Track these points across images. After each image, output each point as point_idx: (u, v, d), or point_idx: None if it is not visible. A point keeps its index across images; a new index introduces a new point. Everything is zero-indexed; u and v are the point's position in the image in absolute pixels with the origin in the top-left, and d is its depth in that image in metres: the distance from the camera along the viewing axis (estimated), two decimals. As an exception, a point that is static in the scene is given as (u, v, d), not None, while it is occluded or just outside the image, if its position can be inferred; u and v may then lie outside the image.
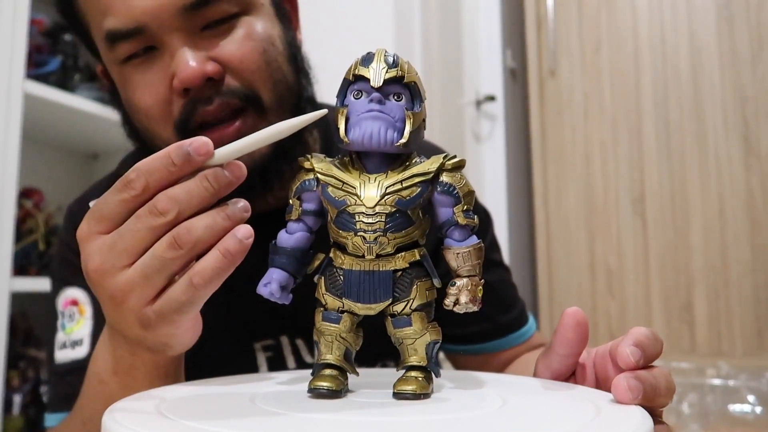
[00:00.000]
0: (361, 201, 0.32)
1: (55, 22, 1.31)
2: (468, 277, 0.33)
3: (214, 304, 0.56)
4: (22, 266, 1.24)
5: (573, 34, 2.50)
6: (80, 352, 0.56)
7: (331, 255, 0.34)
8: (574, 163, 2.46)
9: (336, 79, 0.39)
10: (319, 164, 0.34)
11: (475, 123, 2.54)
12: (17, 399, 1.14)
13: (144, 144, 0.58)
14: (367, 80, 0.32)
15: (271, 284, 0.34)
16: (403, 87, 0.33)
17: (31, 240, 1.29)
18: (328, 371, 0.33)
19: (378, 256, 0.32)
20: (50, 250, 1.36)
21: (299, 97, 0.57)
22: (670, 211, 2.30)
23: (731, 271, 2.19)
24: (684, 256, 2.26)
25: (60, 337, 0.58)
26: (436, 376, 0.34)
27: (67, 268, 0.62)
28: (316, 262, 0.35)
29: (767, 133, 2.18)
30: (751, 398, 1.07)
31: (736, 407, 1.08)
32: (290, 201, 0.36)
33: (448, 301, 0.33)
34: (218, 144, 0.41)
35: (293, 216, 0.35)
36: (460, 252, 0.33)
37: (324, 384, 0.32)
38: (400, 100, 0.33)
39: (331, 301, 0.33)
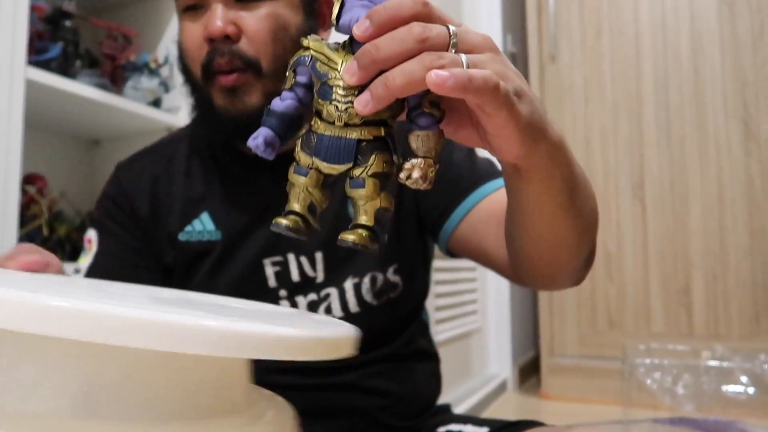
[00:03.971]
0: (340, 76, 0.35)
1: (55, 8, 1.32)
2: (423, 157, 0.36)
3: (237, 225, 0.71)
4: (26, 251, 1.26)
5: (574, 19, 2.49)
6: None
7: (311, 122, 0.37)
8: (574, 148, 2.46)
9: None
10: (314, 43, 0.37)
11: (475, 108, 2.55)
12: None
13: (187, 77, 0.71)
14: None
15: (258, 138, 0.37)
16: None
17: (35, 225, 1.31)
18: (292, 216, 0.37)
19: (346, 124, 0.35)
20: (54, 235, 1.37)
21: None
22: (669, 196, 2.31)
23: (729, 255, 2.20)
24: (682, 241, 2.28)
25: (75, 266, 0.74)
26: (381, 241, 0.37)
27: (99, 213, 0.76)
28: (303, 131, 0.38)
29: (767, 118, 2.19)
30: (744, 379, 1.10)
31: (729, 388, 1.10)
32: (286, 73, 0.39)
33: (402, 175, 0.36)
34: (225, 90, 0.64)
35: (286, 86, 0.38)
36: (420, 135, 0.36)
37: (284, 222, 0.36)
38: None
39: (303, 158, 0.37)
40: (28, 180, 1.28)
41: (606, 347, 2.33)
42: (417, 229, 0.77)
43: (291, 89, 0.38)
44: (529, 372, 2.71)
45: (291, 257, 0.71)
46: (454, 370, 2.21)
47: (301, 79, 0.38)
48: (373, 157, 0.36)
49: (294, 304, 0.70)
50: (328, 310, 0.70)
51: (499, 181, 0.72)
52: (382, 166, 0.36)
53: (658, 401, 1.16)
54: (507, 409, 2.34)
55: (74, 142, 1.70)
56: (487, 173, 0.74)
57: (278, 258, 0.71)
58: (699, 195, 2.27)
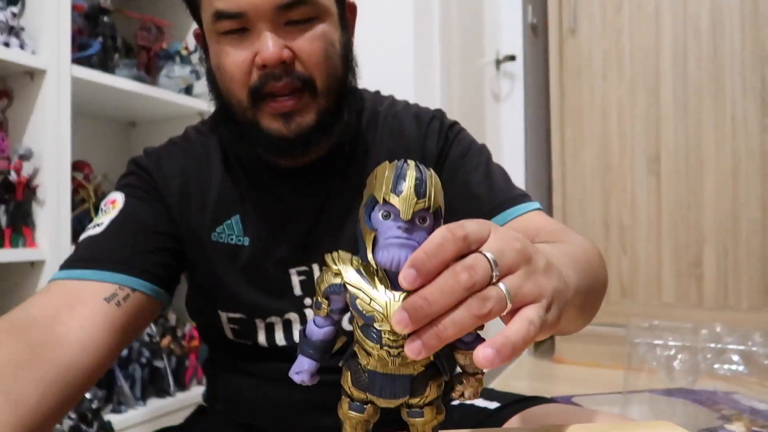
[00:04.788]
0: (388, 320, 0.34)
1: (93, 5, 1.40)
2: (473, 375, 0.37)
3: (264, 233, 0.73)
4: (76, 232, 1.38)
5: (594, -8, 2.49)
6: (97, 230, 0.69)
7: (356, 350, 0.37)
8: (592, 122, 2.50)
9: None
10: (348, 274, 0.37)
11: (494, 82, 2.58)
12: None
13: (219, 97, 0.70)
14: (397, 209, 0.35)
15: (303, 374, 0.39)
16: (428, 212, 0.36)
17: (84, 209, 1.43)
18: None
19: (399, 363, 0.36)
20: (99, 216, 1.50)
21: (344, 87, 0.71)
22: (684, 170, 2.35)
23: (741, 229, 2.25)
24: (696, 214, 2.33)
25: (89, 225, 0.71)
26: None
27: (127, 181, 0.74)
28: (339, 344, 0.40)
29: (785, 93, 2.19)
30: (736, 358, 1.18)
31: (722, 366, 1.19)
32: (318, 298, 0.38)
33: (455, 394, 0.38)
34: (279, 114, 0.64)
35: (322, 313, 0.39)
36: (467, 354, 0.37)
37: None
38: (425, 223, 0.36)
39: (356, 393, 0.38)
40: (75, 167, 1.39)
41: (618, 316, 2.41)
42: None
43: (327, 316, 0.38)
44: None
45: (315, 267, 0.73)
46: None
47: (336, 306, 0.38)
48: (428, 387, 0.37)
49: None
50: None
51: (518, 209, 0.74)
52: (437, 392, 0.38)
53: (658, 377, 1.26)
54: (522, 372, 2.46)
55: (112, 125, 1.81)
56: (506, 199, 0.75)
57: (304, 268, 0.73)
58: (714, 169, 2.30)
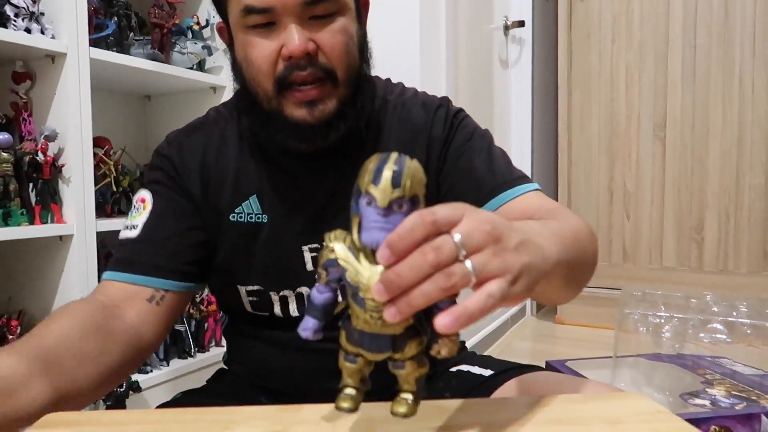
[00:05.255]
0: (370, 290, 0.41)
1: (109, -14, 1.45)
2: (447, 336, 0.42)
3: (281, 211, 0.79)
4: (99, 205, 1.46)
5: (605, -46, 2.46)
6: (133, 233, 0.76)
7: (349, 313, 0.44)
8: (599, 87, 2.52)
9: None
10: (339, 251, 0.44)
11: (502, 48, 2.59)
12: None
13: (245, 87, 0.75)
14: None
15: (308, 331, 0.46)
16: (404, 199, 0.41)
17: (106, 183, 1.51)
18: (348, 391, 0.46)
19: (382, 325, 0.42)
20: (119, 188, 1.58)
21: (361, 76, 0.77)
22: (690, 137, 2.37)
23: (743, 195, 2.29)
24: (699, 180, 2.36)
25: (127, 222, 0.79)
26: (422, 399, 0.46)
27: (152, 178, 0.81)
28: (339, 308, 0.46)
29: (794, 60, 2.19)
30: (720, 327, 1.25)
31: (707, 335, 1.26)
32: (319, 269, 0.46)
33: (433, 352, 0.44)
34: (303, 102, 0.69)
35: (322, 282, 0.45)
36: None
37: (345, 405, 0.45)
38: (402, 209, 0.41)
39: (350, 348, 0.45)
40: (95, 143, 1.46)
41: (620, 279, 2.49)
42: None
43: (327, 284, 0.45)
44: (547, 299, 2.91)
45: None
46: (476, 297, 2.41)
47: (333, 276, 0.45)
48: (407, 345, 0.43)
49: None
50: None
51: (517, 189, 0.79)
52: (416, 349, 0.44)
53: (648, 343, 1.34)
54: (526, 332, 2.56)
55: (128, 98, 1.87)
56: (505, 180, 0.80)
57: (315, 245, 0.79)
58: (719, 136, 2.32)
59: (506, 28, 2.54)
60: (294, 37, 0.68)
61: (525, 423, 0.50)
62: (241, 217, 0.79)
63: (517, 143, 2.67)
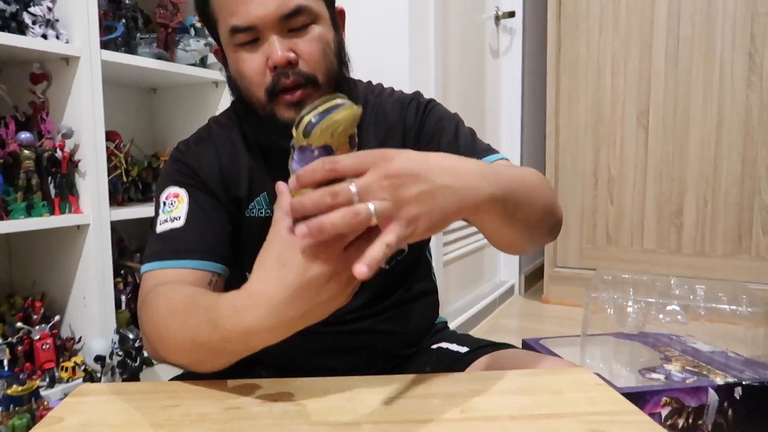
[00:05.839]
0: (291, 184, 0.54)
1: (117, -11, 1.54)
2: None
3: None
4: (110, 194, 1.58)
5: (594, -55, 2.53)
6: (178, 223, 0.80)
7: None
8: (587, 75, 2.61)
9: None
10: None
11: (493, 37, 2.67)
12: (123, 298, 1.55)
13: (240, 97, 0.83)
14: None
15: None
16: (313, 147, 0.56)
17: (116, 174, 1.62)
18: None
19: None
20: (129, 180, 1.70)
21: (340, 78, 0.85)
22: (671, 124, 2.48)
23: (721, 180, 2.40)
24: (680, 166, 2.47)
25: (162, 217, 0.82)
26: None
27: (176, 176, 0.86)
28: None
29: (772, 51, 2.28)
30: (678, 309, 1.38)
31: (666, 316, 1.39)
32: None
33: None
34: (291, 104, 0.77)
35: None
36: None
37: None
38: (315, 153, 0.57)
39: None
40: (107, 137, 1.57)
41: (603, 260, 2.61)
42: None
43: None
44: (534, 279, 3.04)
45: None
46: (470, 276, 2.55)
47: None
48: None
49: None
50: None
51: (485, 159, 0.84)
52: None
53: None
54: (513, 311, 2.69)
55: (135, 91, 1.97)
56: (473, 152, 0.86)
57: None
58: (699, 123, 2.43)
59: (497, 18, 2.62)
60: (276, 49, 0.76)
61: (483, 392, 0.61)
62: (254, 212, 0.87)
63: (507, 129, 2.77)
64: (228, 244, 0.83)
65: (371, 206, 0.50)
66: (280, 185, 0.58)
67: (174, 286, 0.73)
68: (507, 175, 0.64)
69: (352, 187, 0.50)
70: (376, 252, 0.50)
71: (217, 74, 1.79)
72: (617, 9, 2.53)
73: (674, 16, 2.43)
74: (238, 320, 0.57)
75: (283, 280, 0.54)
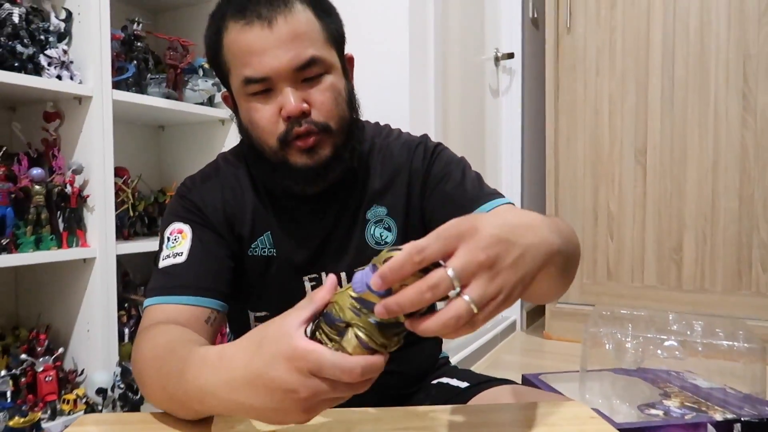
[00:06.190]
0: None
1: (128, 34, 1.61)
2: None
3: (287, 247, 0.88)
4: (117, 228, 1.62)
5: (589, -8, 2.62)
6: (180, 259, 0.80)
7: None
8: (584, 115, 2.66)
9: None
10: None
11: (493, 78, 2.74)
12: (126, 331, 1.57)
13: (251, 144, 0.84)
14: None
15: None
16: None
17: (124, 209, 1.66)
18: None
19: None
20: (135, 215, 1.73)
21: (352, 124, 0.87)
22: (669, 162, 2.52)
23: (719, 218, 2.42)
24: (678, 204, 2.50)
25: (165, 252, 0.82)
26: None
27: (181, 212, 0.86)
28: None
29: (765, 91, 2.33)
30: (675, 344, 1.39)
31: (664, 352, 1.40)
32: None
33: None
34: (303, 150, 0.78)
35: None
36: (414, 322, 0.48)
37: None
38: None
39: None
40: (115, 172, 1.61)
41: (604, 296, 2.62)
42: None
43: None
44: (536, 315, 3.05)
45: (323, 275, 0.87)
46: (468, 313, 2.54)
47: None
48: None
49: None
50: None
51: (491, 203, 0.86)
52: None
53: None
54: (515, 346, 2.69)
55: (144, 129, 2.03)
56: (479, 196, 0.87)
57: (314, 275, 0.88)
58: (696, 162, 2.47)
59: (497, 59, 2.69)
60: (290, 100, 0.77)
61: (479, 425, 0.62)
62: (256, 251, 0.88)
63: (507, 167, 2.82)
64: (229, 280, 0.84)
65: (467, 298, 0.46)
66: (331, 278, 0.55)
67: (164, 328, 0.73)
68: (557, 225, 0.62)
69: (450, 272, 0.45)
70: (463, 332, 0.48)
71: (224, 113, 1.85)
72: (613, 51, 2.60)
73: (669, 57, 2.50)
74: (199, 373, 0.55)
75: (253, 362, 0.51)
